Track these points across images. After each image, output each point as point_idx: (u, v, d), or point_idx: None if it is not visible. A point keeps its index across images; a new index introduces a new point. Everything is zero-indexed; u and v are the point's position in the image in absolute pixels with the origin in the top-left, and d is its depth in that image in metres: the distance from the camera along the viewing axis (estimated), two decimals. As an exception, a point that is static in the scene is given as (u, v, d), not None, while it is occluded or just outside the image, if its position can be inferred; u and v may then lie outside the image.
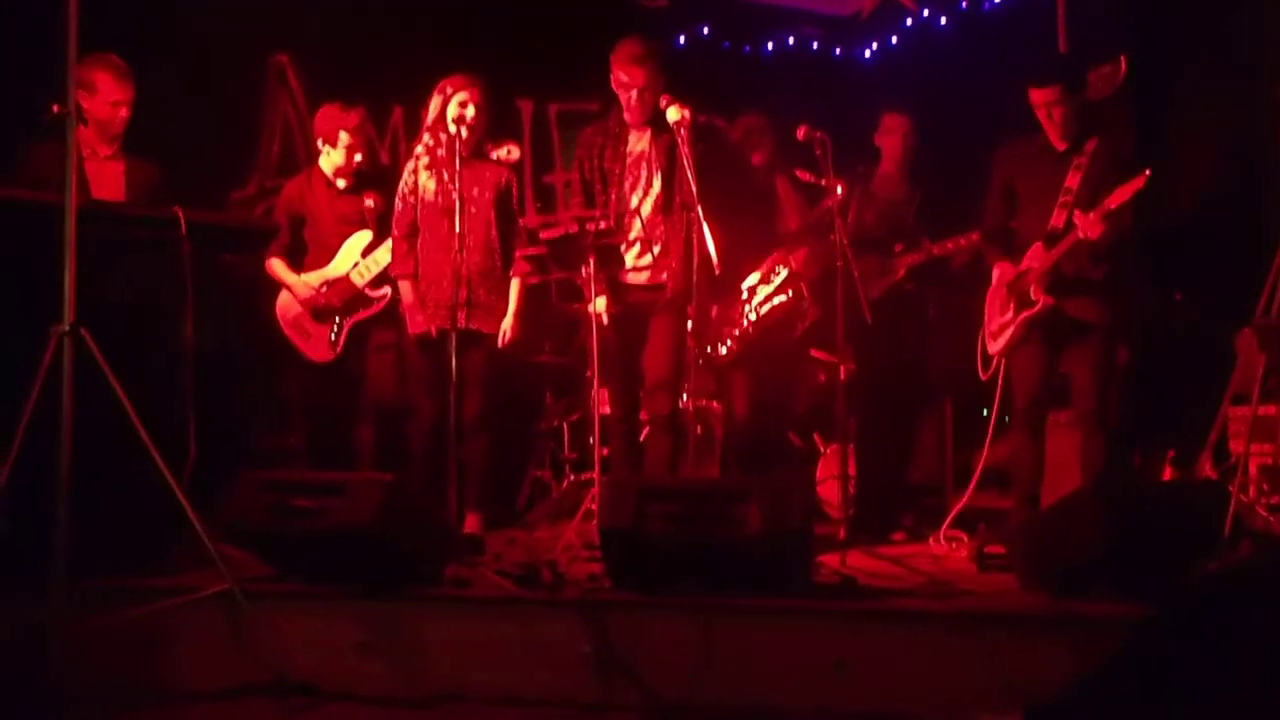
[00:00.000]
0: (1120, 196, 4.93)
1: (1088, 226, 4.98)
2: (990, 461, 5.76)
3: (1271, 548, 4.46)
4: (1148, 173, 4.85)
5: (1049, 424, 5.49)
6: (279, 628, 4.07)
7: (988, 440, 5.59)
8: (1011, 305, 5.35)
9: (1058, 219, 5.20)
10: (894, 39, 7.86)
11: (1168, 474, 5.91)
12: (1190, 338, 5.99)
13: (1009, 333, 5.36)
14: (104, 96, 5.24)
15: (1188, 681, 2.95)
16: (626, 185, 5.30)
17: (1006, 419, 5.63)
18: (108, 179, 5.33)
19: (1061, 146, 5.28)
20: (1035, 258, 5.24)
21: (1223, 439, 5.35)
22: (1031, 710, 3.15)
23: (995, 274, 5.47)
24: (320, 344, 5.79)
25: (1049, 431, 5.46)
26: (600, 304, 5.20)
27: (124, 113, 5.31)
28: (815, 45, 7.97)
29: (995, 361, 5.47)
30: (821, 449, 6.80)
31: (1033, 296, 5.22)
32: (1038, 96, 5.25)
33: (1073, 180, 5.21)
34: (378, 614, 4.13)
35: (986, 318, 5.56)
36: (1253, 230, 4.89)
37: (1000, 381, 5.52)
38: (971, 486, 5.58)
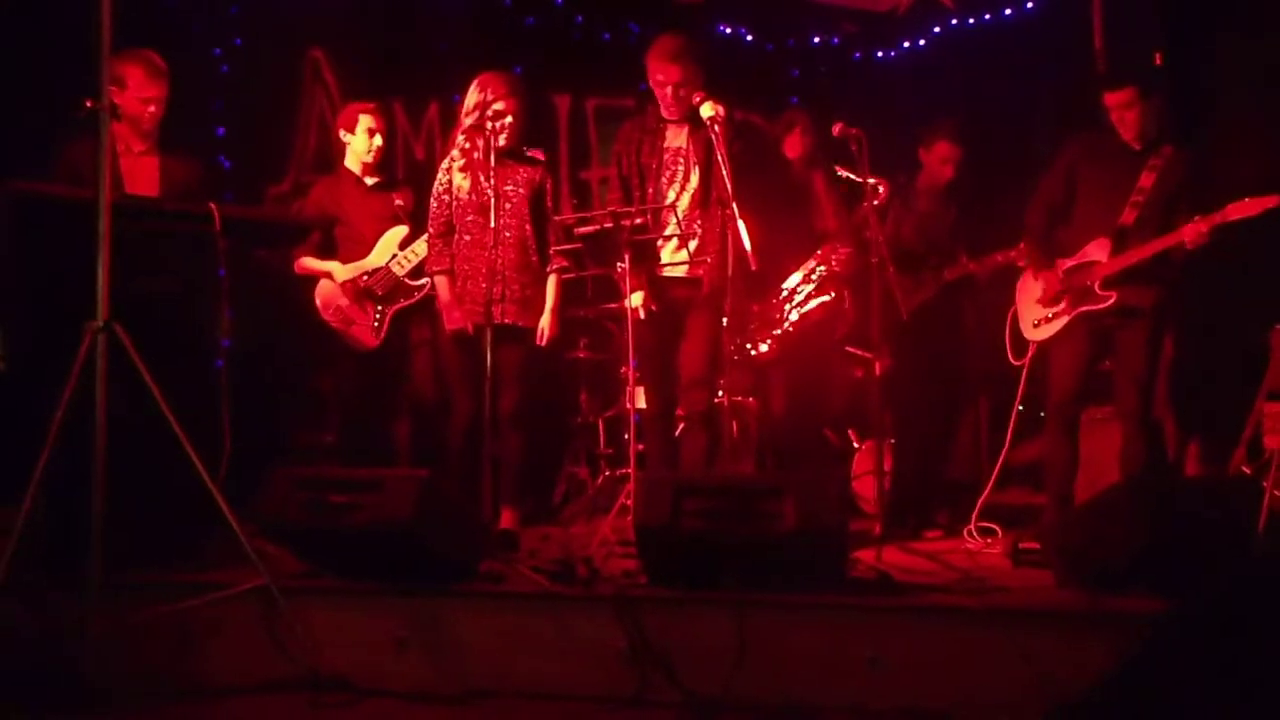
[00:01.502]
0: (1240, 212, 4.90)
1: (1195, 235, 4.96)
2: (1025, 458, 5.73)
3: None
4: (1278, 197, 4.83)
5: (1085, 421, 5.46)
6: (314, 623, 4.09)
7: (1008, 435, 5.56)
8: (1064, 299, 5.32)
9: (1127, 217, 5.18)
10: (928, 38, 7.81)
11: (1199, 468, 5.87)
12: (1227, 332, 5.94)
13: (1058, 325, 5.34)
14: (134, 92, 5.23)
15: (1207, 680, 2.94)
16: (664, 180, 5.30)
17: (1042, 415, 5.61)
18: (142, 175, 5.33)
19: (1137, 147, 5.25)
20: (1102, 254, 5.21)
21: (1257, 435, 5.31)
22: (1053, 713, 3.14)
23: (1042, 277, 5.43)
24: (365, 330, 5.80)
25: (1085, 428, 5.42)
26: (637, 299, 5.19)
27: (155, 109, 5.30)
28: (851, 43, 7.94)
29: (1032, 349, 5.44)
30: (857, 445, 6.78)
31: (1100, 292, 5.19)
32: (1112, 99, 5.23)
33: (1147, 180, 5.19)
34: (413, 610, 4.14)
35: (1020, 304, 5.53)
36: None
37: (1025, 373, 5.49)
38: (992, 480, 5.56)
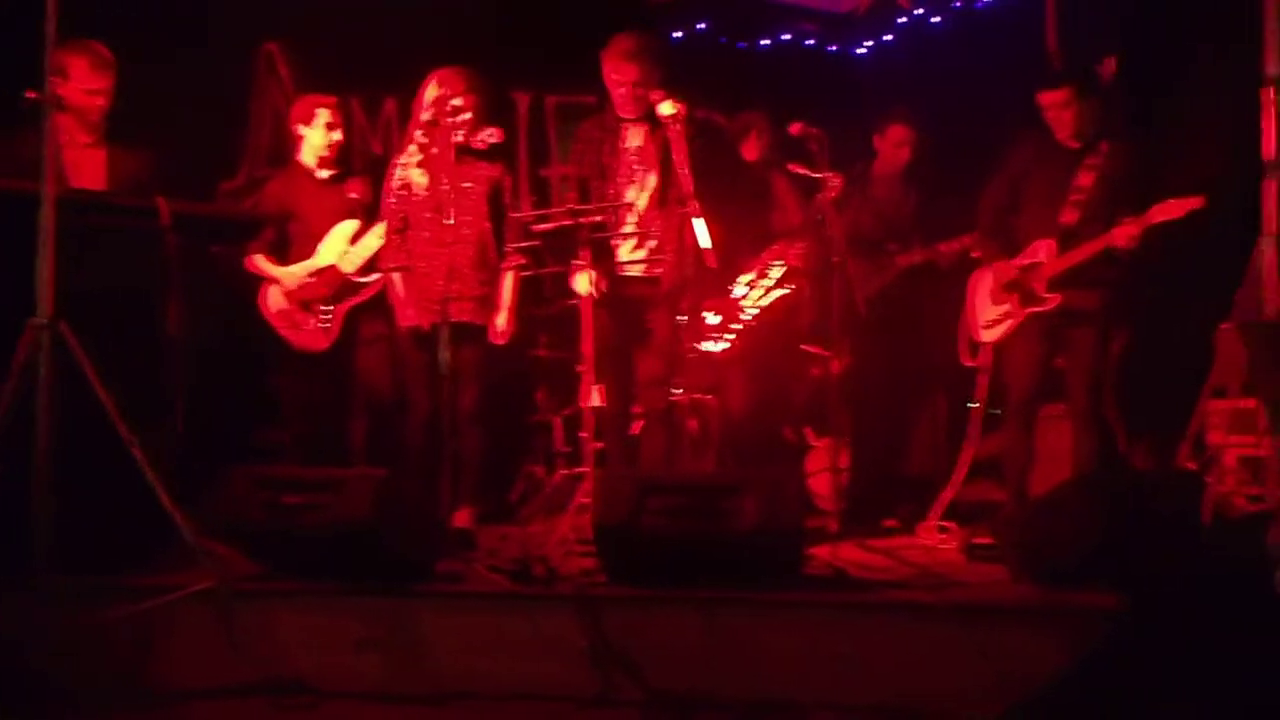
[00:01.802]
0: (1167, 213, 4.96)
1: (1124, 236, 5.01)
2: (984, 454, 5.78)
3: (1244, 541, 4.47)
4: (1203, 198, 4.89)
5: (1041, 417, 5.53)
6: (272, 626, 4.06)
7: (970, 432, 5.62)
8: (1014, 298, 5.37)
9: (1069, 216, 5.26)
10: (890, 36, 7.85)
11: (1146, 463, 5.95)
12: (1175, 331, 6.01)
13: (1008, 325, 5.42)
14: (78, 84, 5.09)
15: (1164, 676, 2.98)
16: (623, 180, 5.29)
17: (998, 412, 5.66)
18: (88, 167, 5.17)
19: (1074, 146, 5.31)
20: (1045, 254, 5.28)
21: (1201, 432, 5.39)
22: (1012, 710, 3.18)
23: (994, 267, 5.48)
24: (312, 333, 5.73)
25: (1041, 425, 5.50)
26: (584, 281, 5.16)
27: (101, 101, 5.17)
28: (812, 42, 7.95)
29: (985, 350, 5.50)
30: (813, 443, 6.79)
31: (1043, 294, 5.26)
32: (1047, 99, 5.29)
33: (1085, 179, 5.26)
34: (372, 610, 4.12)
35: (973, 305, 5.59)
36: (1237, 226, 4.91)
37: (988, 373, 5.56)
38: (957, 478, 5.61)
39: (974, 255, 5.83)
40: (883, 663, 3.85)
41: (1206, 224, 5.00)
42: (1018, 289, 5.37)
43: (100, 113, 5.20)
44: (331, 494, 4.14)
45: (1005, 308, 5.43)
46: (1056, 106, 5.28)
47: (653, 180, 5.25)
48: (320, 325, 5.72)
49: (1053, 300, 5.26)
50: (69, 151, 5.12)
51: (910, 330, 6.31)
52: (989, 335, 5.53)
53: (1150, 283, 5.63)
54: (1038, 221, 5.37)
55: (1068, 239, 5.25)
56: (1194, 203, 4.91)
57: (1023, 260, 5.37)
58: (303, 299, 5.72)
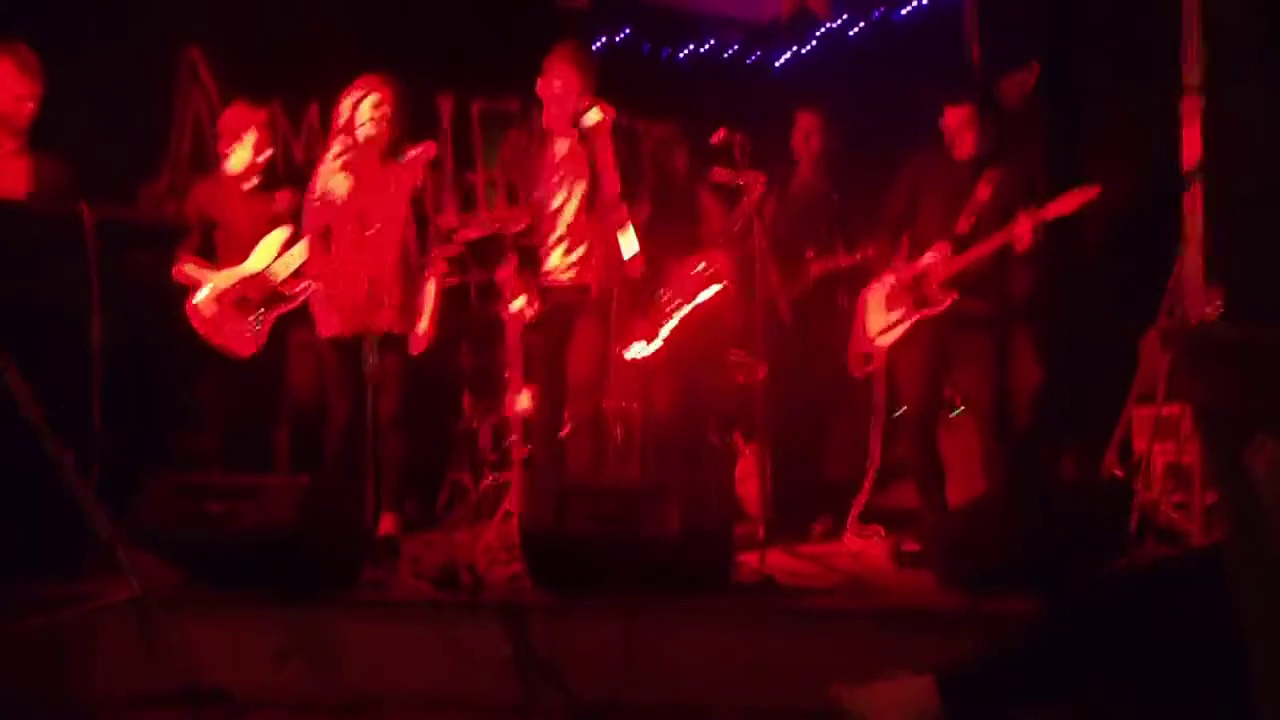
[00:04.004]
0: (1060, 208, 5.05)
1: (1022, 231, 5.09)
2: (896, 458, 5.84)
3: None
4: (1098, 188, 4.97)
5: (953, 422, 5.60)
6: (193, 635, 3.99)
7: (872, 441, 5.67)
8: (905, 304, 5.45)
9: (963, 225, 5.33)
10: (809, 46, 7.92)
11: (1071, 471, 6.03)
12: (1099, 338, 6.11)
13: (900, 330, 5.48)
14: (4, 89, 5.03)
15: (1086, 652, 3.05)
16: (550, 186, 5.29)
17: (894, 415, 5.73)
18: (11, 176, 5.10)
19: (971, 161, 5.39)
20: (939, 259, 5.34)
21: (1127, 438, 5.47)
22: (942, 674, 3.23)
23: (888, 274, 5.56)
24: (241, 339, 5.65)
25: (954, 428, 5.57)
26: (519, 303, 5.17)
27: (29, 106, 5.09)
28: (733, 51, 8.00)
29: (877, 358, 5.58)
30: (741, 449, 6.82)
31: (937, 296, 5.32)
32: (950, 115, 5.39)
33: (983, 192, 5.34)
34: (294, 619, 4.09)
35: (864, 314, 5.67)
36: (1160, 233, 4.99)
37: (883, 380, 5.62)
38: (866, 486, 5.65)
39: (870, 263, 5.90)
40: (801, 668, 3.86)
41: (1130, 230, 5.11)
42: (911, 293, 5.43)
43: (27, 118, 5.12)
44: (254, 501, 4.11)
45: (899, 312, 5.49)
46: (960, 123, 5.36)
47: (580, 188, 5.25)
48: (249, 332, 5.65)
49: (945, 300, 5.31)
50: None
51: (826, 331, 6.35)
52: (883, 341, 5.57)
53: (1072, 289, 5.73)
54: (934, 230, 5.43)
55: (962, 246, 5.32)
56: (1089, 194, 5.00)
57: (917, 264, 5.44)
58: (233, 304, 5.65)
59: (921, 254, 5.44)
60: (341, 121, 5.35)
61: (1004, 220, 5.22)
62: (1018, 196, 5.27)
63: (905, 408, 5.57)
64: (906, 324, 5.45)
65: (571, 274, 5.29)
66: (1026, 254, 5.19)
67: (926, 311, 5.37)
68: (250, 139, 5.72)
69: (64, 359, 4.40)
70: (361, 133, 5.25)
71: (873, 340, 5.62)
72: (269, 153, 5.78)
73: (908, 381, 5.52)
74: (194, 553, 4.23)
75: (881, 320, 5.57)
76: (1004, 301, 5.41)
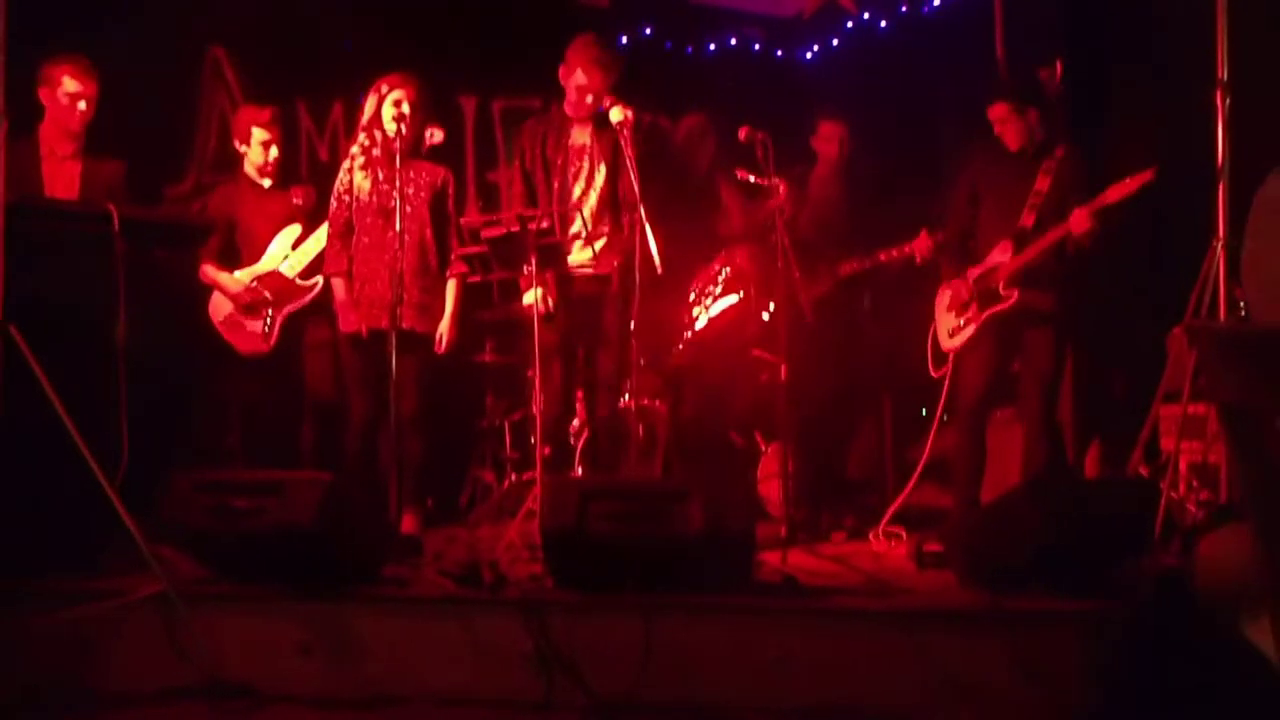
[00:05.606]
0: (1119, 193, 5.01)
1: (1079, 221, 5.06)
2: (931, 458, 5.81)
3: None
4: (1153, 170, 4.92)
5: (991, 422, 5.58)
6: (216, 629, 4.03)
7: (930, 438, 5.65)
8: (975, 304, 5.43)
9: (1027, 219, 5.32)
10: (835, 41, 7.89)
11: (1098, 470, 6.00)
12: (1127, 336, 6.07)
13: (970, 330, 5.46)
14: (63, 93, 5.26)
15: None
16: (569, 175, 5.30)
17: (945, 418, 5.70)
18: (63, 179, 5.33)
19: (1027, 153, 5.38)
20: (1003, 255, 5.33)
21: (1154, 437, 5.43)
22: None
23: (953, 284, 5.55)
24: (252, 337, 5.73)
25: (990, 429, 5.54)
26: (531, 296, 5.18)
27: (86, 109, 5.32)
28: (757, 47, 7.98)
29: (950, 359, 5.55)
30: (763, 448, 6.81)
31: (1002, 293, 5.31)
32: (991, 113, 5.40)
33: (1043, 184, 5.33)
34: (317, 614, 4.10)
35: (937, 316, 5.64)
36: (1188, 231, 4.96)
37: (949, 378, 5.60)
38: (911, 484, 5.63)
39: (917, 264, 5.87)
40: (823, 667, 3.86)
41: (1159, 226, 5.07)
42: (978, 295, 5.42)
43: (83, 122, 5.34)
44: (277, 498, 4.12)
45: (967, 314, 5.49)
46: (999, 121, 5.37)
47: (600, 179, 5.26)
48: (263, 329, 5.71)
49: (1011, 297, 5.30)
50: (48, 164, 5.27)
51: (850, 332, 6.34)
52: (952, 343, 5.57)
53: (1101, 286, 5.69)
54: (996, 228, 5.44)
55: (1023, 241, 5.30)
56: (1145, 176, 4.94)
57: (981, 269, 5.43)
58: (246, 303, 5.71)
59: (986, 253, 5.44)
60: (364, 120, 5.38)
61: (1064, 208, 5.20)
62: (1076, 183, 5.27)
63: (960, 407, 5.55)
64: (975, 325, 5.44)
65: (592, 266, 5.31)
66: (1091, 243, 5.15)
67: (994, 309, 5.37)
68: (257, 138, 5.78)
69: (90, 357, 4.42)
70: (384, 131, 5.28)
71: (943, 344, 5.62)
72: (275, 154, 5.84)
73: (971, 375, 5.49)
74: (218, 548, 4.25)
75: (950, 322, 5.57)
76: (1068, 295, 5.37)
